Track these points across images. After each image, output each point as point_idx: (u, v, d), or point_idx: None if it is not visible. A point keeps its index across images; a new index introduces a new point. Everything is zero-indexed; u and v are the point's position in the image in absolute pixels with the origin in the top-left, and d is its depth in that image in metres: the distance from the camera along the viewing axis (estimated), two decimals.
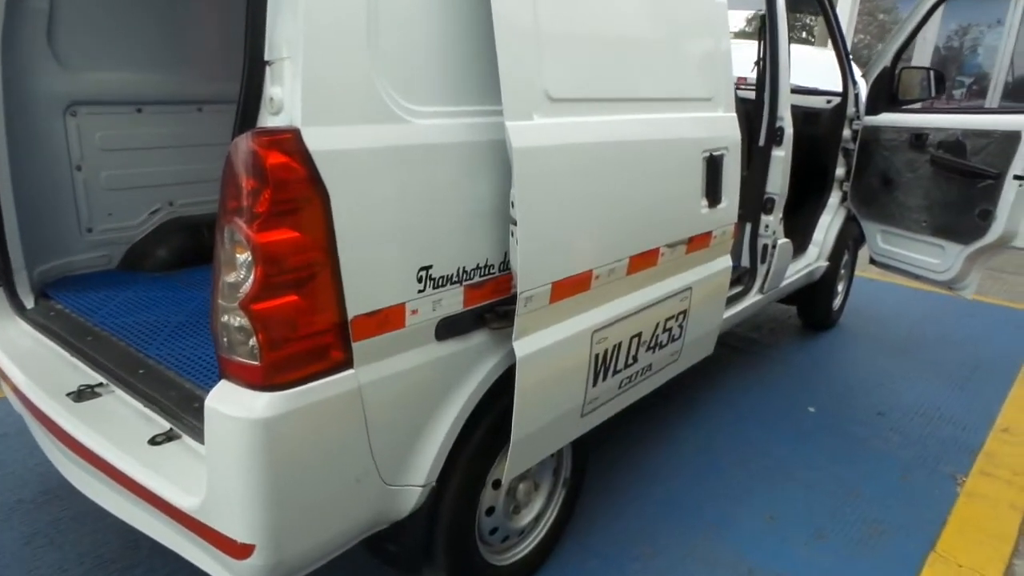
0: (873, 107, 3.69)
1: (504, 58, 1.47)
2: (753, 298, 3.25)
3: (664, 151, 1.99)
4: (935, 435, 3.08)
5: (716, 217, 2.27)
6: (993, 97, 9.90)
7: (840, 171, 3.92)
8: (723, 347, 3.51)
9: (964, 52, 10.80)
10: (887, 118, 3.59)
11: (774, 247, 3.20)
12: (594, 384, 1.89)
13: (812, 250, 3.89)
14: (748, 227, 3.20)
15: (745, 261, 3.26)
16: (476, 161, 1.54)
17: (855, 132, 3.79)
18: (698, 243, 2.21)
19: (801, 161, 4.04)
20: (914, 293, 4.82)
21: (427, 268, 1.48)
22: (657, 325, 2.11)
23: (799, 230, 3.95)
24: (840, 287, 4.30)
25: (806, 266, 3.81)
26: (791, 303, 4.10)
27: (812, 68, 5.04)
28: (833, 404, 3.34)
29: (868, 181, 3.70)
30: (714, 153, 2.19)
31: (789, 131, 3.07)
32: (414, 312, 1.48)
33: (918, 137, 3.41)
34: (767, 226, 3.16)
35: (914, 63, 9.15)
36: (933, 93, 3.73)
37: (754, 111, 3.12)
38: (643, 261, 1.96)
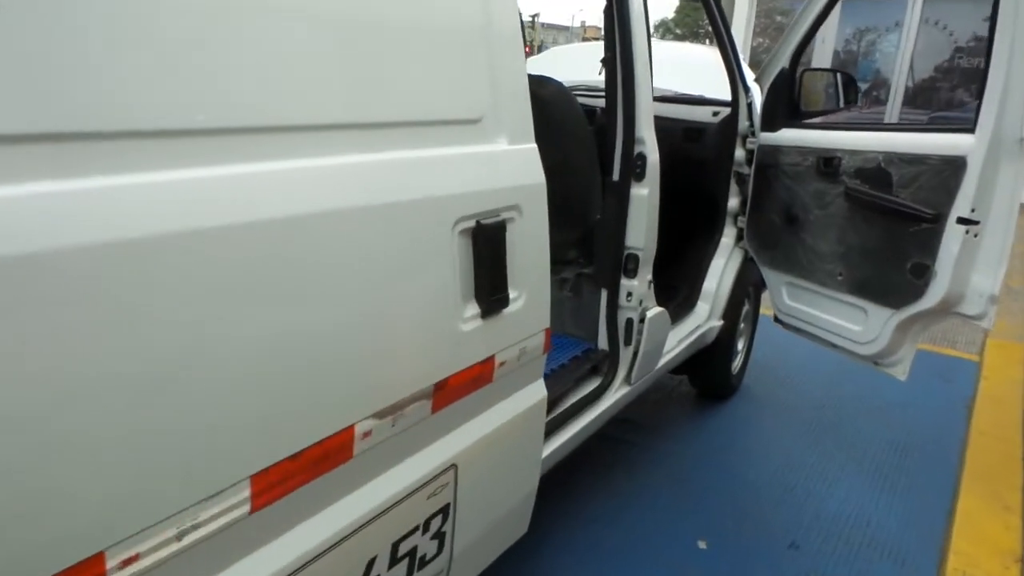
0: (770, 121, 2.82)
1: None
2: (617, 394, 2.30)
3: (339, 232, 0.97)
4: None
5: (502, 330, 1.29)
6: (894, 103, 9.54)
7: (733, 202, 3.05)
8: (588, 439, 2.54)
9: (861, 56, 10.46)
10: (788, 135, 2.74)
11: (642, 321, 2.27)
12: None
13: (702, 307, 3.00)
14: (604, 295, 2.26)
15: (603, 343, 2.31)
16: None
17: (749, 152, 2.93)
18: (461, 386, 1.22)
19: (684, 190, 3.15)
20: None
21: None
22: (371, 562, 1.09)
23: (684, 282, 3.06)
24: (741, 343, 3.44)
25: (695, 328, 2.91)
26: (681, 373, 3.20)
27: (701, 72, 4.23)
28: (733, 530, 2.43)
29: (768, 217, 2.83)
30: (485, 221, 1.20)
31: (654, 158, 2.14)
32: None
33: (827, 161, 2.56)
34: (630, 294, 2.22)
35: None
36: (842, 102, 2.92)
37: (608, 128, 2.18)
38: (299, 472, 0.94)
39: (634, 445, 2.92)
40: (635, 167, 2.11)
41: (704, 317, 2.98)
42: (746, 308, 3.34)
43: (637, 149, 2.11)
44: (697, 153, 3.00)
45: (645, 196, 2.13)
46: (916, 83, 9.68)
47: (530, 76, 2.18)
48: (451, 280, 1.13)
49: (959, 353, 4.11)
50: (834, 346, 2.68)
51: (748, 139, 2.94)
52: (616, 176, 2.13)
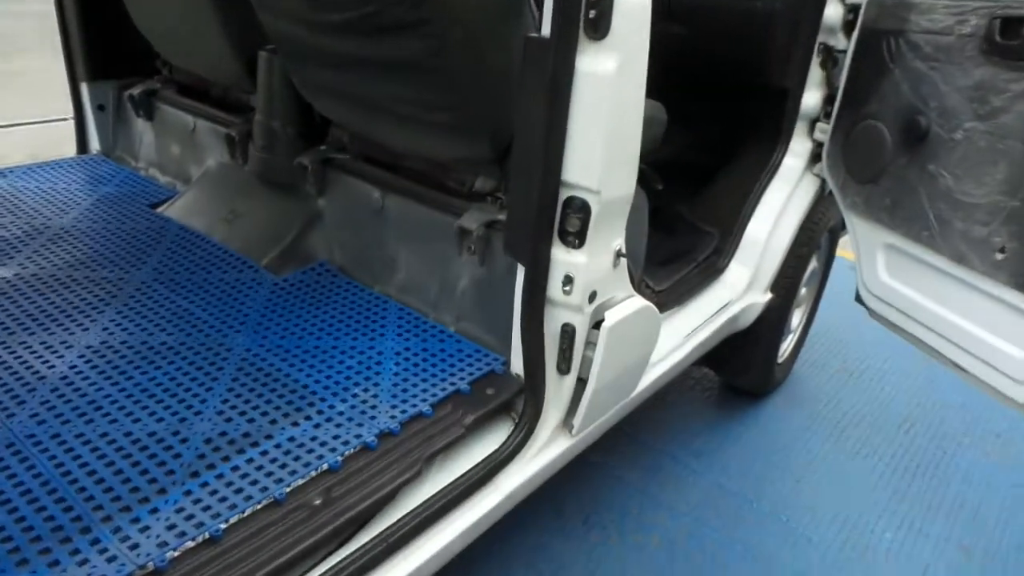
0: None
1: None
2: (540, 459, 1.24)
3: None
4: None
5: None
6: None
7: (812, 97, 1.82)
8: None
9: None
10: None
11: (597, 328, 1.16)
12: None
13: (738, 272, 1.84)
14: (520, 277, 1.13)
15: (518, 365, 1.21)
16: None
17: (851, 9, 1.67)
18: None
19: (721, 71, 1.93)
20: None
21: None
22: None
23: (713, 225, 1.91)
24: (797, 318, 2.28)
25: (722, 308, 1.78)
26: (699, 364, 2.08)
27: None
28: None
29: (871, 128, 1.59)
30: None
31: None
32: None
33: (1009, 24, 1.30)
34: (569, 278, 1.09)
35: None
36: None
37: None
38: None
39: (621, 480, 1.86)
40: (587, 8, 0.93)
41: (741, 288, 1.82)
42: (812, 267, 2.15)
43: None
44: (750, 3, 1.74)
45: (609, 75, 0.96)
46: None
47: None
48: None
49: None
50: (962, 370, 1.51)
51: None
52: (546, 30, 0.95)
